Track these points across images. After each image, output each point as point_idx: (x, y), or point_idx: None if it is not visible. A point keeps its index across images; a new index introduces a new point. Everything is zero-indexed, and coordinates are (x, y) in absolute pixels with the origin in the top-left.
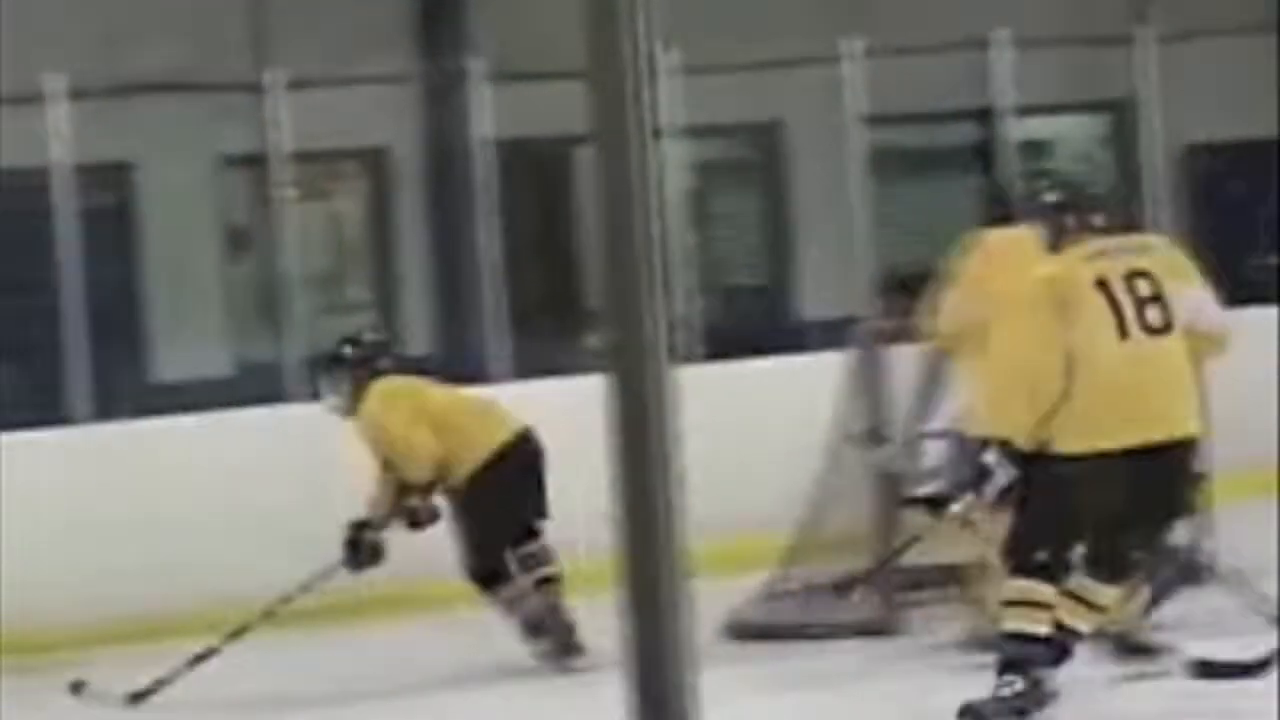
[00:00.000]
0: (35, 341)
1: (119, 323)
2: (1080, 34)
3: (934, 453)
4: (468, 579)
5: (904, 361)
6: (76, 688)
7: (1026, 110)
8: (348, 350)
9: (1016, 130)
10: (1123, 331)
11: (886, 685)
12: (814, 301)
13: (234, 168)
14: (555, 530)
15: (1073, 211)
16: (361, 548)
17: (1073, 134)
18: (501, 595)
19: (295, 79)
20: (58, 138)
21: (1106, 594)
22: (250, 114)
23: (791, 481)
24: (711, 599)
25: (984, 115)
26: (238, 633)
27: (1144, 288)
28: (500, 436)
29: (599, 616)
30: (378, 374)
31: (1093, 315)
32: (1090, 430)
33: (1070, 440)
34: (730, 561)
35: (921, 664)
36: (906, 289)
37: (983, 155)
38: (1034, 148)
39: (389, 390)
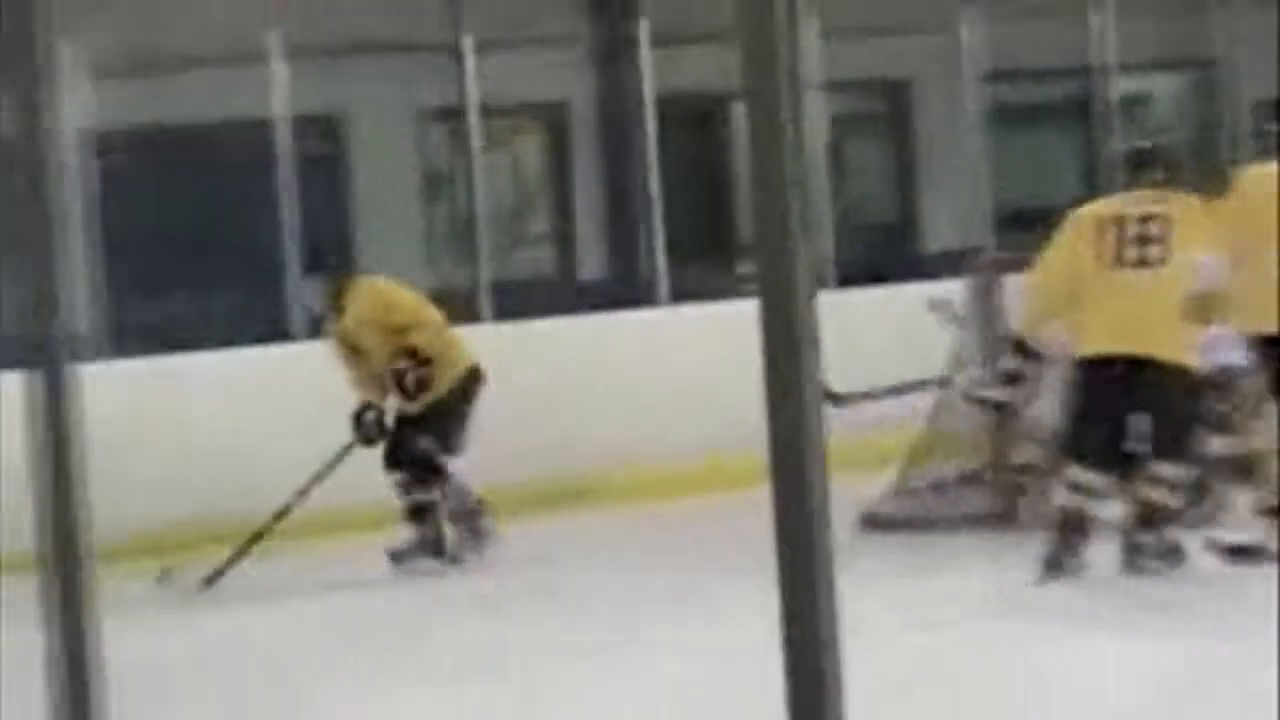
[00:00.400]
0: (260, 270)
1: (331, 254)
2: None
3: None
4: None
5: (1016, 289)
6: (164, 575)
7: (1125, 68)
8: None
9: (1115, 87)
10: (1119, 263)
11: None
12: (936, 236)
13: (431, 120)
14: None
15: (1131, 166)
16: (367, 424)
17: (1165, 90)
18: (438, 488)
19: (484, 41)
20: (278, 92)
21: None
22: (446, 73)
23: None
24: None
25: (1086, 73)
26: (280, 515)
27: (1153, 229)
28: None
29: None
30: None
31: (1097, 249)
32: (1085, 339)
33: (1080, 346)
34: (866, 459)
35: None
36: (1019, 225)
37: (1084, 109)
38: (1131, 102)
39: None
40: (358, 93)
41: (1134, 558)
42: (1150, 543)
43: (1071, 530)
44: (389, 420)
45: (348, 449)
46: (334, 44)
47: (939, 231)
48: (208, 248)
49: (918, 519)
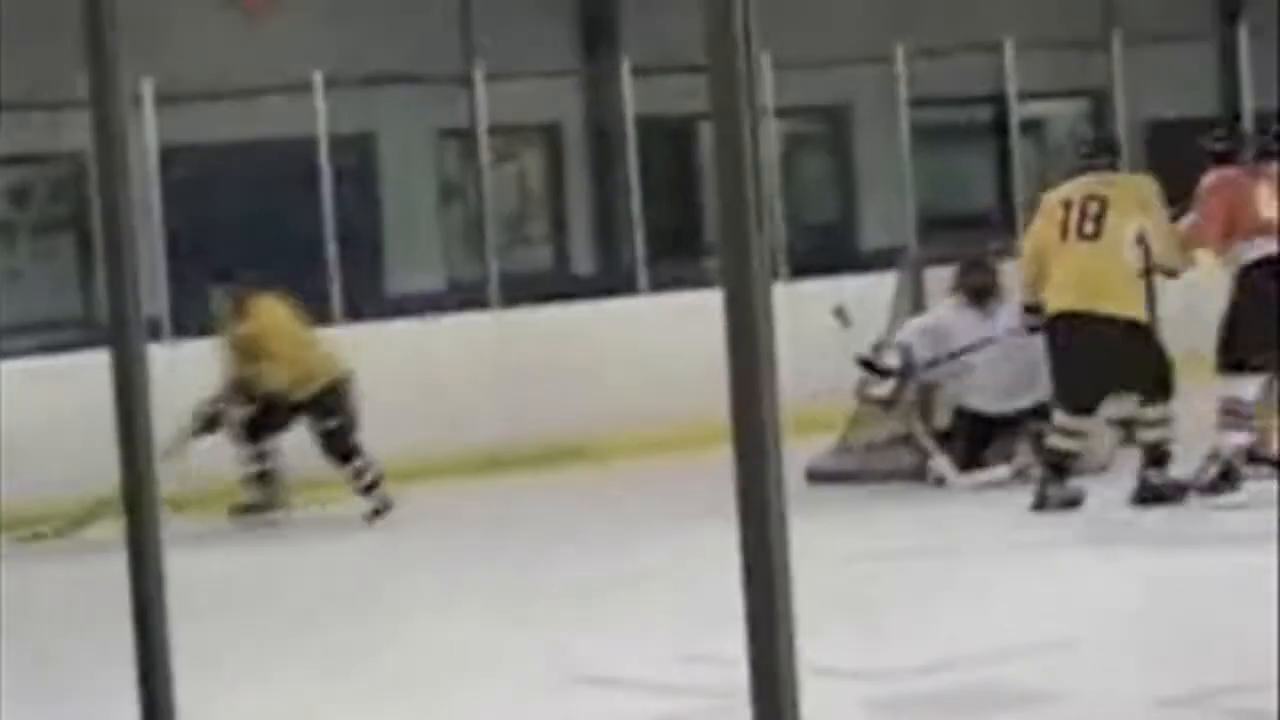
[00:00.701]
0: (302, 265)
1: (363, 251)
2: (1068, 38)
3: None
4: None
5: (938, 280)
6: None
7: (1029, 96)
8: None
9: (1019, 112)
10: (1071, 236)
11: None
12: (871, 236)
13: (447, 138)
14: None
15: (1081, 155)
16: (210, 418)
17: (1062, 114)
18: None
19: (492, 73)
20: (320, 116)
21: (1076, 423)
22: (459, 99)
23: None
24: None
25: (997, 100)
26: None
27: (1093, 208)
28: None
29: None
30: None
31: (1057, 227)
32: (1050, 300)
33: (1048, 306)
34: (810, 424)
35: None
36: (940, 227)
37: (995, 130)
38: (1033, 124)
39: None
40: (385, 116)
41: (1143, 493)
42: (1154, 479)
43: (1057, 469)
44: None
45: (188, 436)
46: (366, 75)
47: (874, 232)
48: (260, 246)
49: (853, 473)
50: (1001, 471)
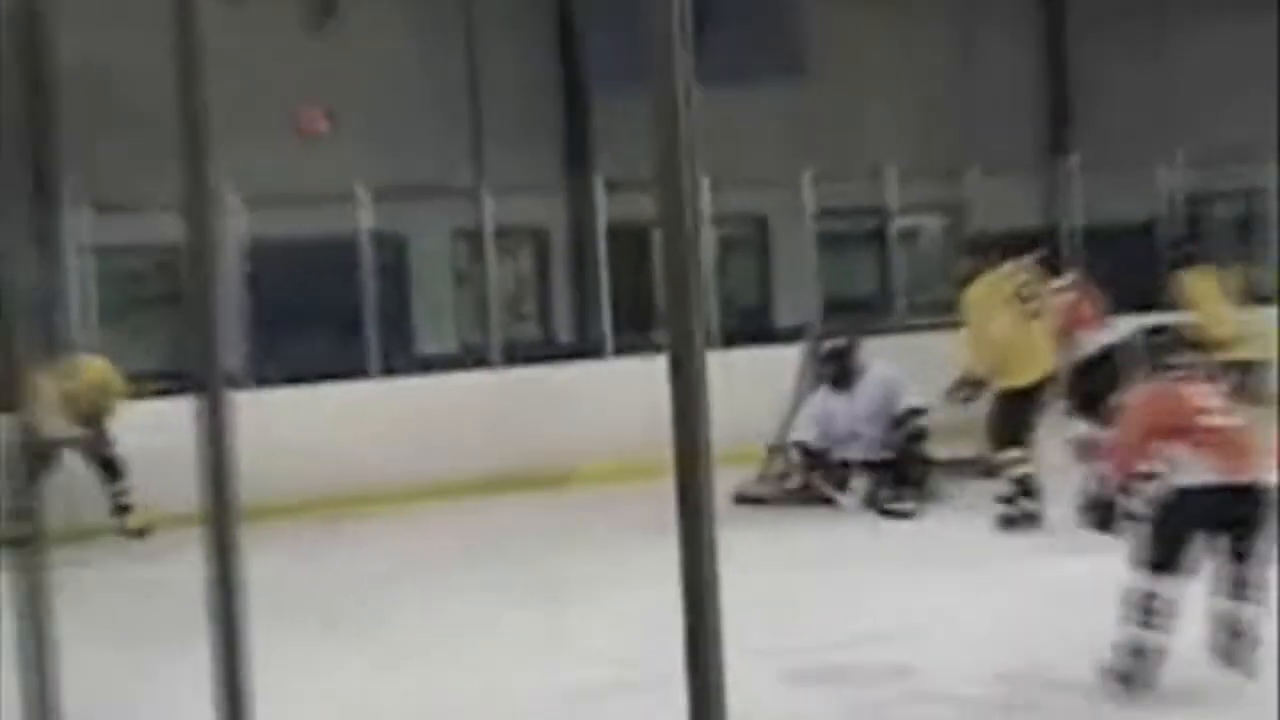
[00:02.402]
0: (349, 332)
1: (395, 322)
2: (936, 166)
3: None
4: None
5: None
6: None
7: (904, 211)
8: None
9: (898, 223)
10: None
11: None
12: (784, 316)
13: (460, 237)
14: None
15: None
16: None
17: (930, 225)
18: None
19: (496, 187)
20: (363, 219)
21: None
22: (471, 207)
23: (776, 412)
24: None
25: (879, 213)
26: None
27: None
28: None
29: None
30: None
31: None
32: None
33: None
34: (737, 458)
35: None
36: (837, 310)
37: (877, 237)
38: (908, 233)
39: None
40: (413, 220)
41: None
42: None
43: (1027, 494)
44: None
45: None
46: (399, 188)
47: (786, 313)
48: (317, 318)
49: (769, 498)
50: (852, 499)
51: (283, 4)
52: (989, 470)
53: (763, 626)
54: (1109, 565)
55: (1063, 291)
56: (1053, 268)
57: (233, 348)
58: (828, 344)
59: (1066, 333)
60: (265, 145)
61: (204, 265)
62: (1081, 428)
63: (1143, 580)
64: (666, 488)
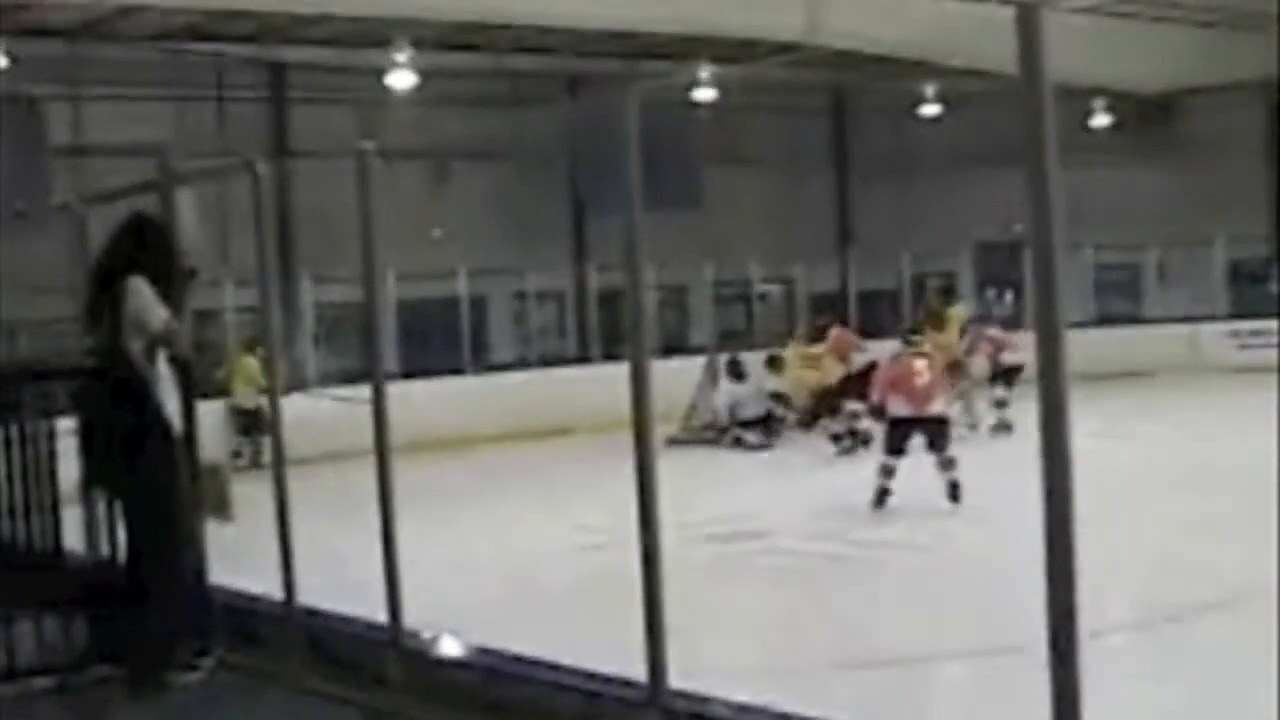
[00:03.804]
0: (454, 350)
1: (479, 345)
2: (777, 258)
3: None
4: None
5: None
6: None
7: (761, 280)
8: None
9: (758, 288)
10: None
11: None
12: (695, 339)
13: (516, 297)
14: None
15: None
16: None
17: (775, 291)
18: None
19: (536, 268)
20: (462, 287)
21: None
22: (522, 280)
23: (690, 392)
24: (661, 430)
25: (746, 283)
26: None
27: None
28: None
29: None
30: None
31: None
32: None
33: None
34: (667, 418)
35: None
36: (728, 339)
37: (744, 297)
38: (763, 295)
39: None
40: (490, 286)
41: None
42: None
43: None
44: None
45: None
46: (481, 270)
47: (696, 338)
48: (436, 343)
49: (690, 441)
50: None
51: (419, 168)
52: (809, 424)
53: (682, 511)
54: (864, 472)
55: (837, 330)
56: (842, 319)
57: (389, 357)
58: (726, 356)
59: (841, 355)
60: (408, 247)
61: (373, 313)
62: (853, 405)
63: (885, 459)
64: (628, 435)
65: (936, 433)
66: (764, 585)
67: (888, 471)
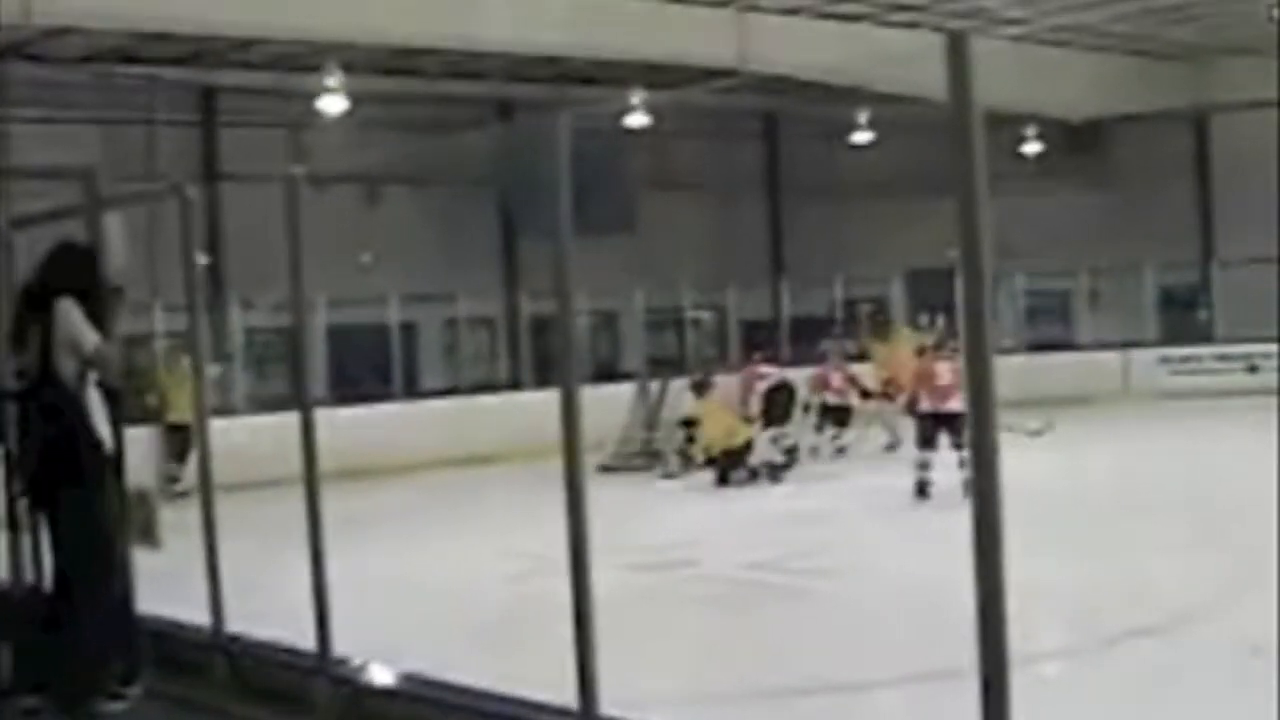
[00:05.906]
0: (384, 376)
1: (410, 371)
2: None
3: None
4: None
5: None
6: None
7: (692, 307)
8: None
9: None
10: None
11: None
12: (627, 364)
13: (449, 323)
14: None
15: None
16: None
17: (709, 317)
18: None
19: (466, 294)
20: (393, 314)
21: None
22: (453, 306)
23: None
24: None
25: (678, 310)
26: None
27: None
28: None
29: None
30: None
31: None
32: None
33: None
34: (597, 446)
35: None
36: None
37: (677, 323)
38: (696, 321)
39: None
40: (421, 312)
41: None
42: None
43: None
44: None
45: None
46: (413, 295)
47: (628, 363)
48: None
49: (620, 468)
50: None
51: (350, 192)
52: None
53: (612, 539)
54: (799, 503)
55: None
56: (767, 355)
57: (319, 383)
58: (654, 381)
59: (748, 390)
60: (338, 272)
61: (301, 338)
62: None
63: (919, 453)
64: (558, 463)
65: (954, 428)
66: (695, 611)
67: (924, 465)
